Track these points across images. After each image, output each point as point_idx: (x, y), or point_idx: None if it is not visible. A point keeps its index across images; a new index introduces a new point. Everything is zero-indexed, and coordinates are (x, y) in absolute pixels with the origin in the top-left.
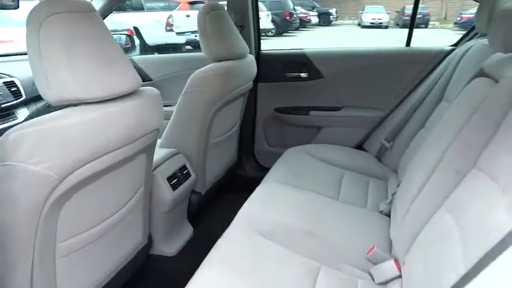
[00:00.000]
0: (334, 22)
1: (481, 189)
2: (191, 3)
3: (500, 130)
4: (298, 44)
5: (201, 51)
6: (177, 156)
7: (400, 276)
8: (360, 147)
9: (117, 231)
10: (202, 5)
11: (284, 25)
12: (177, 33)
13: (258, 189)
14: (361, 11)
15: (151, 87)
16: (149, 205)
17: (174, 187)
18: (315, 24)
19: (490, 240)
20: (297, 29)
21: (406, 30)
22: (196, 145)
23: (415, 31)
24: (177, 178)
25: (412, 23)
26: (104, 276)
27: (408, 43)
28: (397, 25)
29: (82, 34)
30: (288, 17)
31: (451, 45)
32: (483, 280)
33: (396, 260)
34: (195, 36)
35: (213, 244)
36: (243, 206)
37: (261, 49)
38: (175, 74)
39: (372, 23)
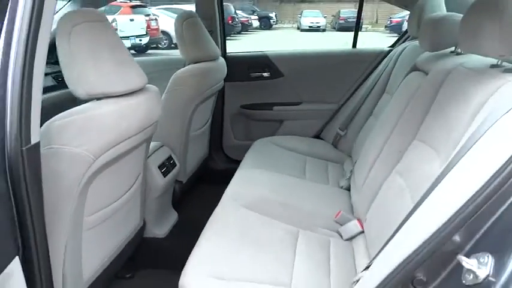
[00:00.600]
0: (274, 26)
1: (421, 154)
2: (133, 7)
3: (431, 109)
4: (242, 47)
5: (147, 56)
6: (163, 148)
7: (362, 232)
8: (318, 136)
9: (123, 213)
10: (144, 9)
11: (226, 29)
12: (121, 37)
13: (238, 173)
14: (299, 15)
15: (152, 85)
16: (144, 191)
17: (164, 174)
18: (256, 28)
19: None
20: (239, 32)
21: (342, 33)
22: (179, 138)
23: (351, 34)
24: (166, 167)
25: (357, 27)
26: (111, 253)
27: (354, 45)
28: (334, 28)
29: (103, 40)
30: (230, 21)
31: (389, 47)
32: (421, 213)
33: (359, 220)
34: (140, 40)
35: (196, 228)
36: (228, 187)
37: (227, 52)
38: None
39: (310, 27)
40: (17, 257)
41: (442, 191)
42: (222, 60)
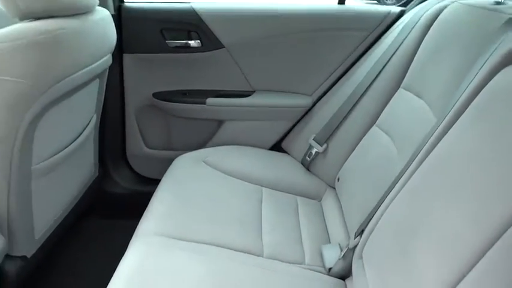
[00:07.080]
0: None
1: None
2: None
3: None
4: None
5: None
6: None
7: None
8: (278, 147)
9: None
10: None
11: None
12: None
13: (128, 256)
14: None
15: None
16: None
17: None
18: None
19: None
20: None
21: None
22: (3, 180)
23: None
24: None
25: None
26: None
27: (342, 0)
28: None
29: None
30: None
31: (399, 4)
32: None
33: None
34: None
35: None
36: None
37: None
38: None
39: None
40: None
41: None
42: (103, 14)
